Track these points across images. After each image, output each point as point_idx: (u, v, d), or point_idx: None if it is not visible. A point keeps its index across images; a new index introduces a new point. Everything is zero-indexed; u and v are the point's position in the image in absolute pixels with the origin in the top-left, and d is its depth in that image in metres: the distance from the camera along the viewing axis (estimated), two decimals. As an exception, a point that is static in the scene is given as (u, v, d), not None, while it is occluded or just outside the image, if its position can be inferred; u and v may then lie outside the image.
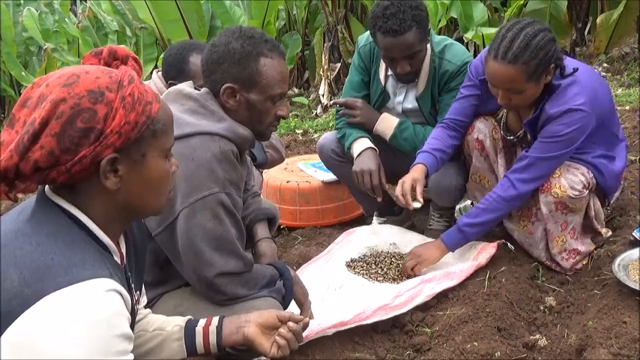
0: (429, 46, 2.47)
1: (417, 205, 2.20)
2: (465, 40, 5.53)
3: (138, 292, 1.33)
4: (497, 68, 1.99)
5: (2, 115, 8.03)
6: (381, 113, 2.59)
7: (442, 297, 2.18)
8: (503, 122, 2.33)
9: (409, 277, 2.34)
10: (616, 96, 4.52)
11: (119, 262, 1.18)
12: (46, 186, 1.12)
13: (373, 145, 2.52)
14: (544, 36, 1.98)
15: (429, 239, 2.64)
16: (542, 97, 2.11)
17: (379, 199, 2.51)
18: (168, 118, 1.17)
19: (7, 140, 1.03)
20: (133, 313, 1.21)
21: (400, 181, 2.22)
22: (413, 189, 2.19)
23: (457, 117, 2.37)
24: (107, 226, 1.13)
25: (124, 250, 1.23)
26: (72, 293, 0.98)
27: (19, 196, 1.10)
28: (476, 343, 1.85)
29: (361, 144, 2.52)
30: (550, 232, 2.21)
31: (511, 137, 2.31)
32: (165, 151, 1.17)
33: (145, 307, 1.54)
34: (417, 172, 2.25)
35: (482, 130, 2.36)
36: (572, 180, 2.13)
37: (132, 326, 1.13)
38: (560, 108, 2.06)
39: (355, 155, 2.50)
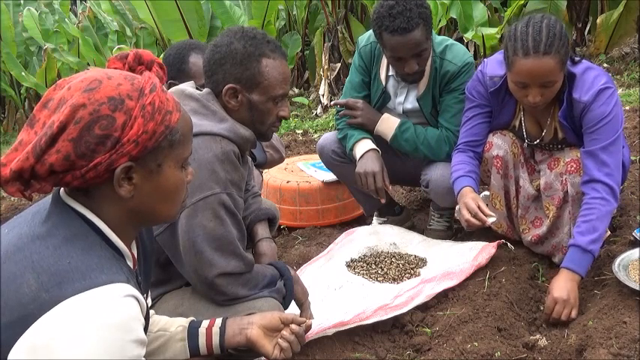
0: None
1: (492, 219, 2.12)
2: (465, 40, 5.54)
3: (145, 294, 1.34)
4: (533, 63, 1.96)
5: (2, 115, 8.03)
6: (382, 114, 2.59)
7: (442, 297, 2.18)
8: (524, 130, 2.31)
9: (409, 277, 2.34)
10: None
11: (132, 266, 1.18)
12: (61, 188, 1.12)
13: (376, 147, 2.52)
14: (561, 24, 2.02)
15: (430, 239, 2.65)
16: (562, 89, 2.11)
17: (383, 201, 2.51)
18: (188, 128, 1.16)
19: (26, 140, 1.03)
20: (147, 317, 1.21)
21: (462, 206, 2.15)
22: (479, 207, 2.13)
23: (470, 138, 2.35)
24: (121, 230, 1.13)
25: (135, 254, 1.23)
26: (90, 298, 0.98)
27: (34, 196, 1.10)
28: (476, 343, 1.86)
29: (364, 145, 2.52)
30: (574, 217, 2.18)
31: (535, 142, 2.30)
32: (182, 161, 1.16)
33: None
34: (469, 192, 2.20)
35: (501, 145, 2.32)
36: None
37: (145, 331, 1.13)
38: (591, 92, 2.07)
39: (358, 157, 2.50)
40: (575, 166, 2.17)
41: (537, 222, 2.33)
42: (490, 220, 2.11)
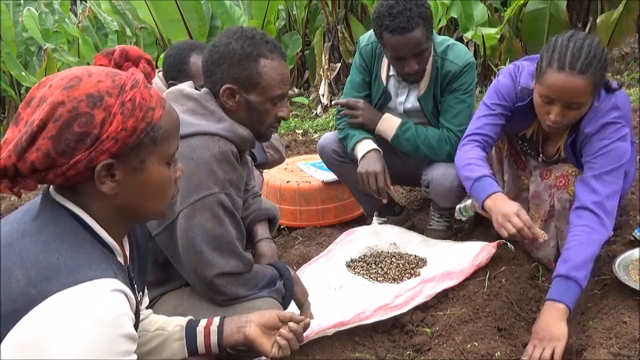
0: (431, 45, 2.47)
1: (546, 236, 1.95)
2: (465, 40, 5.54)
3: (140, 292, 1.33)
4: (565, 80, 1.85)
5: (2, 115, 8.02)
6: (383, 113, 2.59)
7: (442, 297, 2.18)
8: (540, 142, 2.24)
9: (409, 277, 2.34)
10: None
11: (123, 262, 1.18)
12: (51, 186, 1.12)
13: (377, 147, 2.52)
14: (604, 48, 1.91)
15: (430, 239, 2.65)
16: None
17: (384, 201, 2.51)
18: (172, 124, 1.15)
19: (10, 138, 1.04)
20: (137, 313, 1.21)
21: (508, 218, 1.92)
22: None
23: (490, 134, 2.19)
24: (110, 226, 1.13)
25: (127, 251, 1.23)
26: (78, 293, 0.98)
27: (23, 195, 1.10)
28: (476, 343, 1.86)
29: (365, 145, 2.52)
30: (561, 231, 2.18)
31: (545, 160, 2.25)
32: (167, 158, 1.15)
33: (146, 307, 1.54)
34: (509, 201, 1.99)
35: None
36: None
37: (135, 327, 1.13)
38: (597, 124, 1.98)
39: (359, 157, 2.50)
40: (564, 182, 2.14)
41: None
42: (544, 238, 1.95)
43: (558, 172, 2.18)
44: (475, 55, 5.72)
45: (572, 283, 1.85)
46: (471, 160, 2.12)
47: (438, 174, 2.49)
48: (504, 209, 1.94)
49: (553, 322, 1.81)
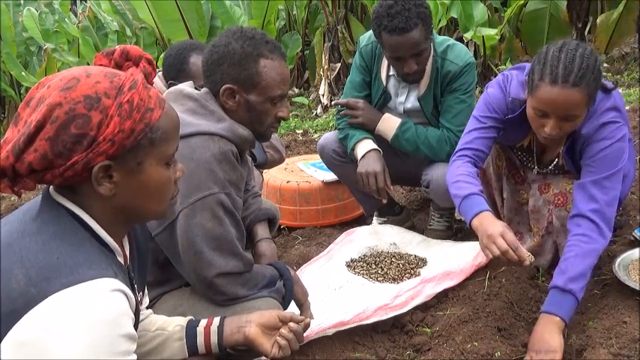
0: (431, 45, 2.47)
1: (532, 258, 1.85)
2: (465, 40, 5.54)
3: (141, 292, 1.33)
4: (558, 94, 1.78)
5: (2, 115, 8.03)
6: (383, 113, 2.59)
7: (442, 297, 2.19)
8: (534, 153, 2.20)
9: (410, 277, 2.34)
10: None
11: (122, 262, 1.18)
12: (51, 186, 1.12)
13: (377, 147, 2.52)
14: (597, 57, 1.85)
15: (430, 239, 2.65)
16: None
17: (384, 201, 2.51)
18: (171, 125, 1.14)
19: (10, 138, 1.04)
20: (137, 313, 1.21)
21: (493, 239, 1.83)
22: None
23: (481, 148, 2.13)
24: (110, 227, 1.13)
25: (127, 251, 1.23)
26: (77, 292, 0.98)
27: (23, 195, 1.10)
28: (476, 343, 1.86)
29: (365, 145, 2.52)
30: (560, 246, 2.16)
31: (544, 170, 2.21)
32: (166, 159, 1.14)
33: (146, 307, 1.54)
34: (496, 222, 1.90)
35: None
36: None
37: (135, 326, 1.13)
38: (594, 125, 1.94)
39: (359, 157, 2.50)
40: (562, 199, 2.11)
41: (517, 236, 2.19)
42: (531, 259, 1.85)
43: (557, 189, 2.15)
44: (475, 55, 5.72)
45: (568, 296, 1.83)
46: (460, 176, 2.06)
47: (438, 174, 2.49)
48: (489, 230, 1.86)
49: (549, 334, 1.79)
